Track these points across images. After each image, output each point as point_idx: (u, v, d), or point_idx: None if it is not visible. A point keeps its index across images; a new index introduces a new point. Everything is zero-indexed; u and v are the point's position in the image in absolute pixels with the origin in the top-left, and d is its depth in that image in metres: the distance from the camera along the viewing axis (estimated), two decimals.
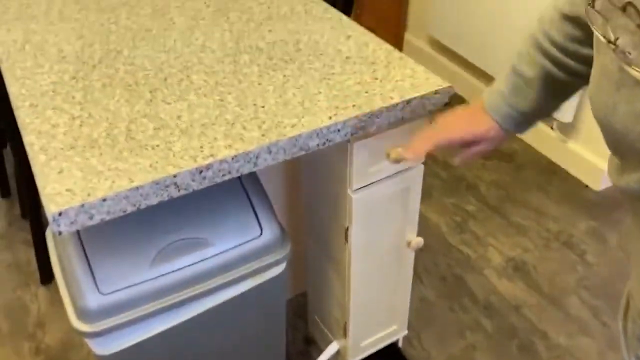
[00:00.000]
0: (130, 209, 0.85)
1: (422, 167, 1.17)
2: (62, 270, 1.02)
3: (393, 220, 1.21)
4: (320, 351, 1.48)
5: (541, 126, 2.22)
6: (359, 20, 3.07)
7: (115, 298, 0.95)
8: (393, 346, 1.49)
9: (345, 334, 1.36)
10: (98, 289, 0.95)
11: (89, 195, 0.82)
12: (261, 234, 1.07)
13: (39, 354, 1.56)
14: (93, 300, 0.94)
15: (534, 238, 1.91)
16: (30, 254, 1.79)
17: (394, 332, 1.45)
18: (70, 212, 0.81)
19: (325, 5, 1.34)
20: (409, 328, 1.48)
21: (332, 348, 1.43)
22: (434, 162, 2.22)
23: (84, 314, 0.95)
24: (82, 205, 0.81)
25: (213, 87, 1.05)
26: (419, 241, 1.24)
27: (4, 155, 1.99)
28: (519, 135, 2.30)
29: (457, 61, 2.54)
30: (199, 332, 1.09)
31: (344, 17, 1.29)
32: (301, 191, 1.34)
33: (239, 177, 1.09)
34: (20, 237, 1.90)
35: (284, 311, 1.22)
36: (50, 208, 0.80)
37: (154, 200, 0.87)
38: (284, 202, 1.40)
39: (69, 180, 0.85)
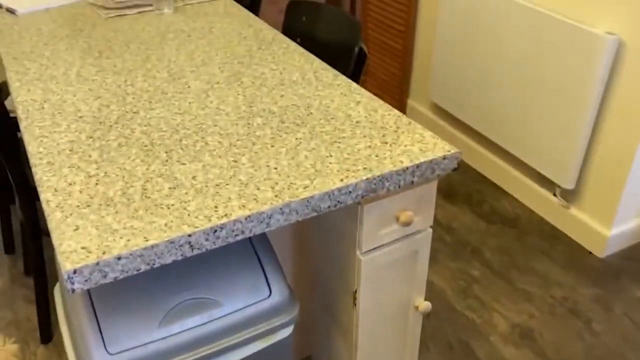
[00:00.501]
0: (144, 267, 0.86)
1: (430, 230, 1.18)
2: (69, 328, 1.01)
3: (401, 283, 1.21)
4: None
5: (544, 192, 2.24)
6: (364, 85, 3.16)
7: (123, 358, 0.94)
8: None
9: None
10: (106, 349, 0.94)
11: (104, 253, 0.83)
12: (270, 295, 1.07)
13: None
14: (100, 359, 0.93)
15: (539, 304, 1.90)
16: (31, 312, 1.77)
17: None
18: (85, 270, 0.81)
19: (335, 72, 1.39)
20: None
21: None
22: (438, 225, 2.23)
23: None
24: (97, 264, 0.82)
25: (227, 148, 1.08)
26: (427, 305, 1.23)
27: (10, 212, 2.00)
28: (523, 202, 2.32)
29: (457, 126, 2.60)
30: None
31: (353, 84, 1.33)
32: (309, 252, 1.34)
33: (249, 237, 1.10)
34: (22, 294, 1.89)
35: None
36: (66, 266, 0.80)
37: (168, 259, 0.87)
38: (291, 263, 1.40)
39: (85, 238, 0.85)
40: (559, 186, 2.16)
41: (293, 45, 1.55)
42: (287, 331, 1.10)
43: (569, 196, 2.16)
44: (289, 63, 1.43)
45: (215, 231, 0.90)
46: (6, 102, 1.65)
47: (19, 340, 1.73)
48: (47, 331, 1.72)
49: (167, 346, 0.97)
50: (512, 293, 1.94)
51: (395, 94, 2.88)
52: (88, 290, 0.98)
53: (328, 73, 1.38)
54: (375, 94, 1.21)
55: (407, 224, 1.09)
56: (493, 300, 1.91)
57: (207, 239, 0.90)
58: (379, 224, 1.09)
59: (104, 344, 0.94)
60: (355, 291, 1.16)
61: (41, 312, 1.69)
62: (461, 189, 2.43)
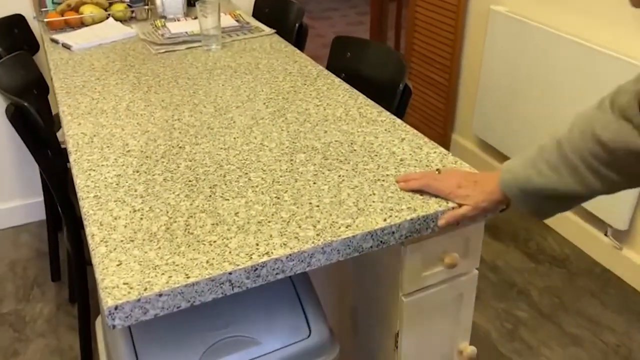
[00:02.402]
0: (184, 305, 0.85)
1: (476, 272, 1.14)
2: None
3: (445, 327, 1.17)
4: None
5: (595, 232, 2.16)
6: (408, 119, 3.14)
7: None
8: None
9: None
10: None
11: (145, 290, 0.83)
12: (310, 335, 1.04)
13: None
14: None
15: (590, 349, 1.81)
16: (74, 340, 1.79)
17: None
18: (126, 307, 0.81)
19: (379, 108, 1.38)
20: None
21: None
22: (482, 264, 2.17)
23: None
24: (138, 300, 0.82)
25: (270, 184, 1.08)
26: (472, 350, 1.19)
27: (58, 240, 2.05)
28: (572, 241, 2.24)
29: (501, 160, 2.54)
30: None
31: (398, 120, 1.32)
32: (349, 292, 1.32)
33: (290, 276, 1.09)
34: (66, 322, 1.92)
35: None
36: (108, 302, 0.81)
37: (208, 297, 0.87)
38: (331, 303, 1.38)
39: (127, 274, 0.86)
40: (610, 226, 2.07)
41: (337, 80, 1.55)
42: None
43: (621, 237, 2.08)
44: (333, 99, 1.43)
45: (256, 269, 0.89)
46: (58, 134, 1.70)
47: None
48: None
49: None
50: (561, 337, 1.86)
51: (439, 127, 2.85)
52: (129, 326, 0.98)
53: (372, 109, 1.37)
54: (418, 127, 1.20)
55: (452, 266, 1.06)
56: (541, 344, 1.83)
57: (247, 277, 0.89)
58: (422, 265, 1.06)
59: None
60: (397, 334, 1.12)
61: (83, 341, 1.70)
62: (507, 226, 2.37)
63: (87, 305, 1.68)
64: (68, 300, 2.00)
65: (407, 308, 1.08)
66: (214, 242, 0.93)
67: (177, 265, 0.88)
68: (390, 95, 1.52)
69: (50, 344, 1.84)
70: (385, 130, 1.27)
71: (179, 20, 2.03)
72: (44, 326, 1.90)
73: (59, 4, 2.08)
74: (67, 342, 1.84)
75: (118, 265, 0.88)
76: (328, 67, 1.79)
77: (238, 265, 0.88)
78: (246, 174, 1.11)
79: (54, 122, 1.98)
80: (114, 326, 0.82)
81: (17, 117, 1.38)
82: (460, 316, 1.17)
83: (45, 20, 2.04)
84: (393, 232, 0.98)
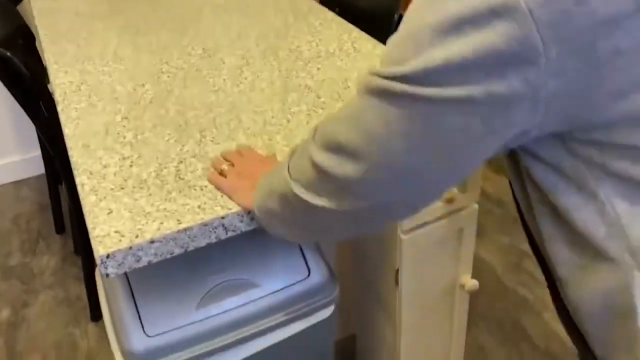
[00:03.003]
0: (177, 251, 0.84)
1: (476, 207, 1.12)
2: (109, 310, 1.02)
3: (446, 262, 1.16)
4: None
5: None
6: None
7: (162, 340, 0.94)
8: None
9: None
10: (144, 331, 0.93)
11: (136, 237, 0.81)
12: (309, 275, 1.04)
13: None
14: (139, 342, 0.93)
15: None
16: (81, 290, 1.81)
17: None
18: (118, 255, 0.80)
19: (374, 41, 1.33)
20: None
21: None
22: (487, 199, 2.16)
23: (130, 356, 0.94)
24: (130, 248, 0.80)
25: (262, 126, 1.05)
26: (474, 284, 1.18)
27: (59, 193, 2.04)
28: None
29: None
30: None
31: None
32: None
33: None
34: (72, 273, 1.93)
35: (331, 353, 1.18)
36: (99, 250, 0.79)
37: (202, 243, 0.85)
38: (331, 243, 1.37)
39: (118, 222, 0.84)
40: None
41: (330, 15, 1.49)
42: (327, 311, 1.07)
43: None
44: (326, 34, 1.38)
45: (249, 212, 0.87)
46: (49, 85, 1.66)
47: (71, 319, 1.78)
48: (97, 309, 1.75)
49: (205, 328, 0.96)
50: None
51: None
52: (126, 274, 0.98)
53: (367, 43, 1.32)
54: None
55: (450, 201, 1.04)
56: None
57: (241, 221, 0.87)
58: None
59: (142, 327, 0.93)
60: (397, 271, 1.12)
61: (90, 291, 1.72)
62: None
63: (91, 256, 1.68)
64: (73, 251, 2.01)
65: (406, 245, 1.07)
66: (205, 187, 0.91)
67: (168, 211, 0.86)
68: (386, 26, 1.46)
69: (58, 295, 1.86)
70: None
71: None
72: (51, 278, 1.92)
73: None
74: (75, 292, 1.87)
75: (109, 213, 0.86)
76: (322, 2, 1.72)
77: (231, 209, 0.86)
78: (237, 116, 1.08)
79: (46, 73, 1.93)
80: (107, 275, 0.81)
81: None
82: (461, 251, 1.16)
83: None
84: None
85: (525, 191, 0.66)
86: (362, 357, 1.46)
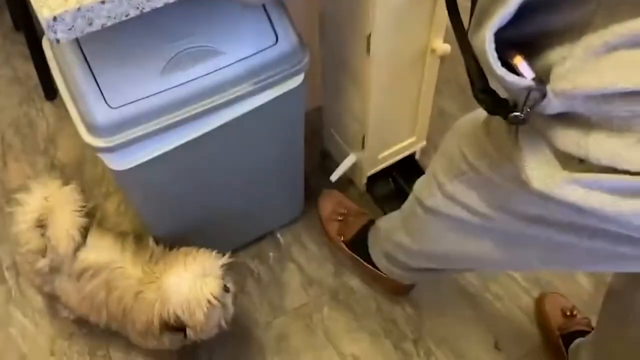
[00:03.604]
0: (133, 12, 0.76)
1: None
2: (65, 84, 0.95)
3: (419, 25, 1.11)
4: (336, 164, 1.47)
5: None
6: None
7: (126, 112, 0.90)
8: (410, 158, 1.48)
9: (363, 146, 1.34)
10: (107, 103, 0.89)
11: None
12: (277, 42, 0.98)
13: (54, 169, 1.56)
14: (102, 114, 0.89)
15: None
16: (30, 68, 1.70)
17: (413, 143, 1.43)
18: (67, 17, 0.71)
19: None
20: (426, 139, 1.45)
21: (349, 160, 1.41)
22: None
23: (95, 129, 0.91)
24: (79, 9, 0.71)
25: None
26: (445, 48, 1.15)
27: None
28: None
29: None
30: (216, 146, 1.05)
31: None
32: None
33: None
34: (17, 50, 1.81)
35: (302, 124, 1.18)
36: (43, 13, 0.70)
37: (158, 2, 0.77)
38: (297, 8, 1.28)
39: None
40: None
41: None
42: (297, 80, 1.03)
43: None
44: None
45: None
46: None
47: (24, 98, 1.70)
48: (51, 87, 1.68)
49: (172, 98, 0.92)
50: None
51: None
52: (79, 43, 0.89)
53: None
54: None
55: None
56: None
57: None
58: None
59: (104, 98, 0.88)
60: (369, 35, 1.06)
61: (40, 69, 1.63)
62: None
63: (33, 30, 1.56)
64: (13, 28, 1.85)
65: (379, 7, 1.00)
66: None
67: None
68: None
69: (5, 74, 1.76)
70: None
71: None
72: None
73: None
74: (24, 71, 1.76)
75: None
76: None
77: None
78: None
79: None
80: (57, 40, 0.73)
81: None
82: (436, 13, 1.10)
83: None
84: None
85: None
86: (329, 128, 1.48)
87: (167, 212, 1.17)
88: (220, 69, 0.94)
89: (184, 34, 0.91)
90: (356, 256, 1.34)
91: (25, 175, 1.55)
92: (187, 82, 0.92)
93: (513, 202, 0.72)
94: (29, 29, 1.55)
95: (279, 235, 1.45)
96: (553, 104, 0.52)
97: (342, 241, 1.37)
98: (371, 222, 1.31)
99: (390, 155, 1.41)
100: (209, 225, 1.27)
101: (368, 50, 1.09)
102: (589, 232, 0.65)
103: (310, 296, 1.36)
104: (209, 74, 0.93)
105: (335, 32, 1.19)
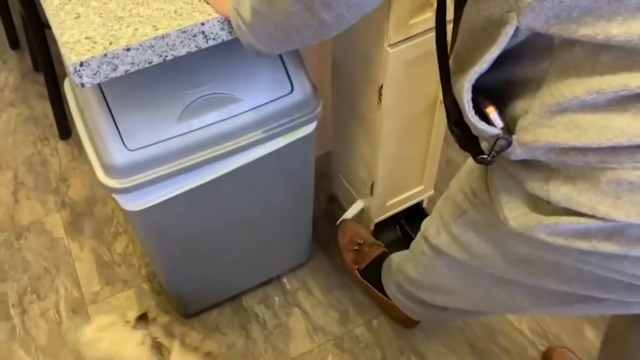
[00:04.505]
0: (156, 59, 0.79)
1: None
2: (84, 125, 0.98)
3: (429, 78, 1.13)
4: (343, 209, 1.48)
5: None
6: None
7: (143, 154, 0.92)
8: (417, 205, 1.49)
9: (371, 193, 1.35)
10: (125, 145, 0.91)
11: (111, 43, 0.75)
12: (292, 90, 1.01)
13: (64, 208, 1.57)
14: (120, 156, 0.91)
15: None
16: (46, 108, 1.74)
17: (420, 192, 1.44)
18: (93, 63, 0.74)
19: None
20: (433, 188, 1.46)
21: (357, 206, 1.42)
22: None
23: (111, 170, 0.93)
24: (105, 55, 0.74)
25: None
26: None
27: (8, 5, 1.87)
28: None
29: None
30: (227, 190, 1.07)
31: None
32: (331, 45, 1.25)
33: None
34: (35, 90, 1.85)
35: (312, 170, 1.20)
36: (71, 58, 0.73)
37: (181, 51, 0.80)
38: (311, 57, 1.32)
39: (88, 27, 0.77)
40: None
41: None
42: (310, 127, 1.06)
43: None
44: None
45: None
46: None
47: (39, 137, 1.74)
48: (65, 127, 1.71)
49: (187, 142, 0.94)
50: None
51: None
52: (100, 86, 0.92)
53: None
54: None
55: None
56: None
57: (222, 29, 0.81)
58: (410, 12, 0.98)
59: (122, 140, 0.91)
60: (381, 87, 1.09)
61: (56, 109, 1.66)
62: None
63: (53, 71, 1.60)
64: (32, 68, 1.90)
65: (392, 59, 1.03)
66: None
67: (142, 16, 0.79)
68: None
69: (22, 112, 1.80)
70: None
71: None
72: (12, 95, 1.84)
73: None
74: (40, 110, 1.80)
75: (76, 18, 0.79)
76: None
77: (210, 15, 0.80)
78: None
79: None
80: (82, 84, 0.76)
81: None
82: None
83: None
84: None
85: None
86: (338, 173, 1.50)
87: (176, 253, 1.18)
88: (235, 115, 0.97)
89: (203, 81, 0.94)
90: (368, 284, 1.38)
91: (36, 212, 1.57)
92: (202, 127, 0.94)
93: (507, 244, 0.75)
94: (48, 70, 1.60)
95: (285, 280, 1.45)
96: (517, 152, 0.58)
97: (357, 269, 1.40)
98: (384, 254, 1.35)
99: (398, 202, 1.42)
100: (216, 267, 1.27)
101: (379, 100, 1.12)
102: (568, 273, 0.69)
103: (315, 343, 1.35)
104: (224, 120, 0.96)
105: (348, 81, 1.23)
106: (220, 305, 1.40)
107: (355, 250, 1.43)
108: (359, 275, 1.40)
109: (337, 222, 1.47)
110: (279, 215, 1.25)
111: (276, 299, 1.42)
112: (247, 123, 0.98)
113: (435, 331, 1.35)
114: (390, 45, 1.02)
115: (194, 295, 1.34)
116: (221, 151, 0.97)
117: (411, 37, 1.03)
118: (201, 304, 1.38)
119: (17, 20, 1.92)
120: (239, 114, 0.97)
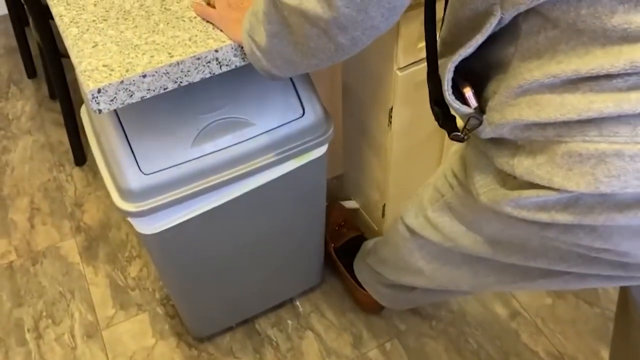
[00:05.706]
0: (171, 86, 0.81)
1: None
2: (101, 151, 1.00)
3: None
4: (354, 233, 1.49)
5: None
6: None
7: (158, 178, 0.94)
8: None
9: (382, 215, 1.36)
10: (140, 169, 0.93)
11: (127, 71, 0.77)
12: (303, 114, 1.02)
13: (79, 233, 1.59)
14: (136, 180, 0.93)
15: None
16: (62, 135, 1.78)
17: None
18: (110, 90, 0.76)
19: None
20: None
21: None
22: None
23: (127, 194, 0.94)
24: (122, 82, 0.77)
25: None
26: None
27: (26, 35, 1.92)
28: None
29: None
30: (240, 213, 1.08)
31: None
32: (341, 69, 1.27)
33: None
34: (51, 118, 1.89)
35: (324, 192, 1.21)
36: (89, 85, 0.75)
37: (195, 77, 0.82)
38: (322, 81, 1.34)
39: (105, 55, 0.79)
40: None
41: None
42: (321, 150, 1.07)
43: None
44: None
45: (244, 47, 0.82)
46: None
47: (54, 164, 1.77)
48: (80, 153, 1.74)
49: (201, 166, 0.96)
50: None
51: None
52: (116, 112, 0.95)
53: None
54: None
55: None
56: None
57: (235, 55, 0.83)
58: (418, 36, 1.00)
59: (138, 165, 0.92)
60: (391, 109, 1.11)
61: (71, 135, 1.69)
62: None
63: (68, 98, 1.64)
64: (48, 96, 1.94)
65: (402, 82, 1.05)
66: (194, 18, 0.85)
67: (157, 44, 0.81)
68: None
69: (38, 140, 1.83)
70: None
71: None
72: (28, 123, 1.88)
73: None
74: (56, 137, 1.83)
75: (94, 46, 0.81)
76: None
77: (224, 42, 0.82)
78: None
79: None
80: (99, 111, 0.78)
81: None
82: None
83: None
84: None
85: None
86: (350, 195, 1.51)
87: (190, 276, 1.19)
88: (248, 139, 0.98)
89: (216, 106, 0.96)
90: (339, 263, 1.43)
91: (51, 237, 1.59)
92: (216, 151, 0.96)
93: (480, 224, 0.80)
94: (64, 97, 1.63)
95: (297, 303, 1.45)
96: (487, 131, 0.64)
97: (333, 247, 1.45)
98: (360, 237, 1.42)
99: None
100: (229, 290, 1.28)
101: (390, 122, 1.13)
102: (533, 249, 0.74)
103: None
104: (237, 143, 0.97)
105: (358, 104, 1.24)
106: (234, 329, 1.40)
107: (336, 230, 1.48)
108: (333, 252, 1.45)
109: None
110: (291, 238, 1.26)
111: (289, 322, 1.42)
112: (260, 146, 0.99)
113: (448, 353, 1.35)
114: (399, 69, 1.04)
115: (207, 319, 1.34)
116: (234, 174, 0.99)
117: (420, 60, 1.04)
118: (215, 328, 1.38)
119: (34, 50, 1.97)
120: (251, 138, 0.98)
